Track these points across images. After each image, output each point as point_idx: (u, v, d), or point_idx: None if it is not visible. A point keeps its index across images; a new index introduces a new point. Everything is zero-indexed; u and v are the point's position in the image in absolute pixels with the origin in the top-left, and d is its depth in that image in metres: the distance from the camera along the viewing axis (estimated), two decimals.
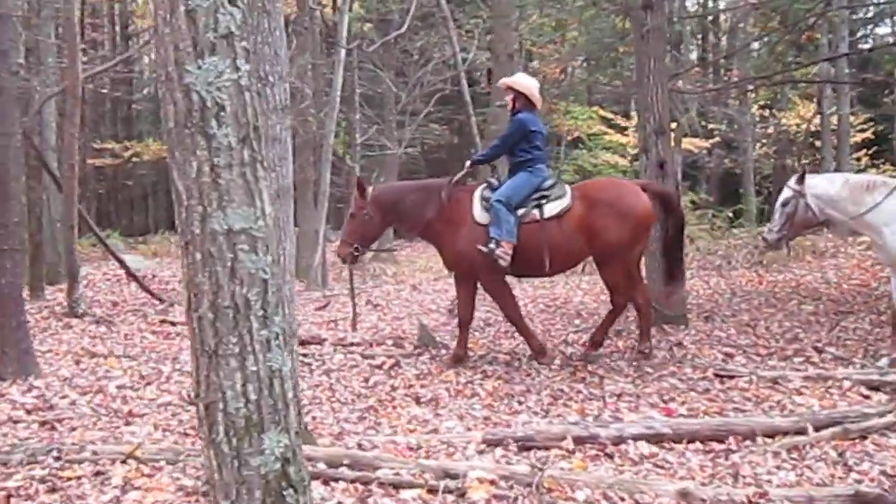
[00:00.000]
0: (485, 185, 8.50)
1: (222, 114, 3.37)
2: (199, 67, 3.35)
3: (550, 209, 8.24)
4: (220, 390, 3.43)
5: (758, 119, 27.51)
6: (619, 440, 5.92)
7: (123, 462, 5.22)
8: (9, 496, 4.80)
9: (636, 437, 5.95)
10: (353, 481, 4.99)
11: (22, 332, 8.27)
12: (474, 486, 4.92)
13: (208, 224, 3.38)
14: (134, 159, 28.78)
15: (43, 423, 6.62)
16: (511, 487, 4.95)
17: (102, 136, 30.24)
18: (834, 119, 23.85)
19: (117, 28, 33.43)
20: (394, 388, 7.79)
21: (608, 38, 13.05)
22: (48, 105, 15.43)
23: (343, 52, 17.30)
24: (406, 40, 22.21)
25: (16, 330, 8.18)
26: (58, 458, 5.29)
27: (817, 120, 24.00)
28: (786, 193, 8.17)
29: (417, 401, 7.37)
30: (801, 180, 8.12)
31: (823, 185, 8.11)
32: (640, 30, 10.04)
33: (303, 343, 9.09)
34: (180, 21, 3.37)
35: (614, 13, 12.25)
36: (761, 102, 26.59)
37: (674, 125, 13.86)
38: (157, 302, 13.08)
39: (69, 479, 5.02)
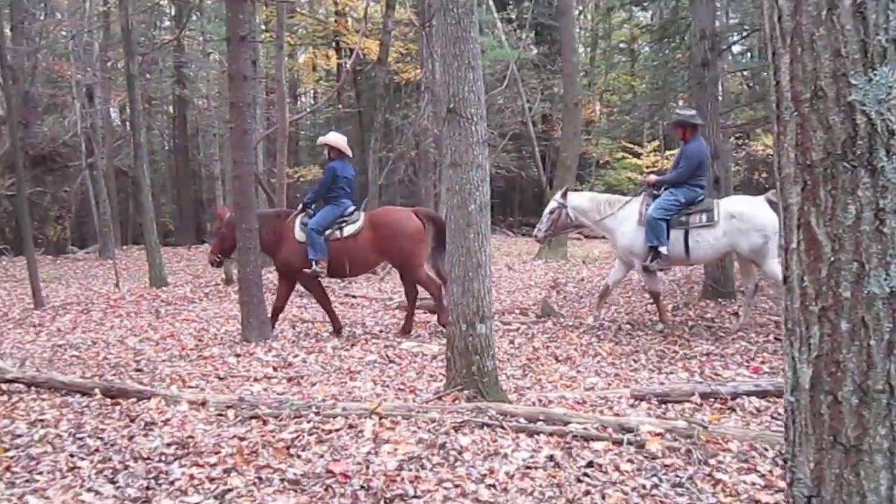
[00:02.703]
0: (304, 213, 7.94)
1: (893, 141, 1.99)
2: (870, 81, 1.97)
3: (347, 230, 7.80)
4: (857, 493, 2.05)
5: None
6: (735, 396, 5.05)
7: (369, 417, 4.49)
8: (288, 446, 4.10)
9: (748, 394, 5.08)
10: (550, 434, 4.22)
11: (262, 307, 7.65)
12: (649, 439, 4.11)
13: (864, 286, 2.02)
14: (300, 179, 28.45)
15: (290, 379, 5.93)
16: (675, 440, 4.13)
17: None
18: None
19: (286, 88, 32.91)
20: (535, 349, 6.99)
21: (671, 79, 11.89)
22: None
23: None
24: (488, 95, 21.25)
25: (257, 305, 7.56)
26: (317, 413, 4.57)
27: None
28: (552, 204, 7.91)
29: (556, 359, 6.58)
30: (564, 195, 7.86)
31: (578, 200, 7.79)
32: None
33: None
34: (845, 20, 1.97)
35: None
36: None
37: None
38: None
39: (330, 431, 4.30)
